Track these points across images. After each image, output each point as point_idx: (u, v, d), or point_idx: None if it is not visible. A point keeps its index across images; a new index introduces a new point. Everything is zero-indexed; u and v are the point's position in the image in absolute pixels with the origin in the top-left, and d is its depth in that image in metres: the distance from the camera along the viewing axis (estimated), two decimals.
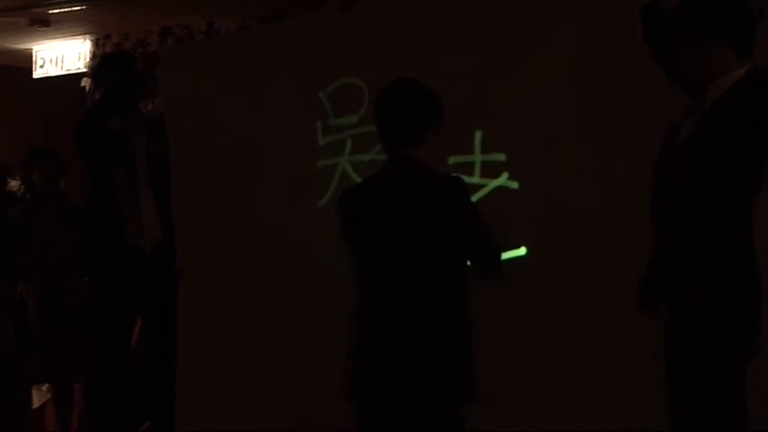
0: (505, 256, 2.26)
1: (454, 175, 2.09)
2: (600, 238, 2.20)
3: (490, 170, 2.35)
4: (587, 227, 2.21)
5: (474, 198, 2.33)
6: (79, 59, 5.32)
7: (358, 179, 2.53)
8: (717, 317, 1.66)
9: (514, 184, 2.32)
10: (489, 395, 2.18)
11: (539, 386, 2.21)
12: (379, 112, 2.02)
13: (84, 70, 5.19)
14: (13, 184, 3.50)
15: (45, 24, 5.03)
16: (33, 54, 5.59)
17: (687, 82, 1.86)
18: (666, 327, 1.79)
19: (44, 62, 5.48)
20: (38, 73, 5.54)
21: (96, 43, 5.29)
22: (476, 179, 2.36)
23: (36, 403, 3.28)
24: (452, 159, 2.39)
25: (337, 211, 2.07)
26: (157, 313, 2.89)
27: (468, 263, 2.05)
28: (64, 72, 5.36)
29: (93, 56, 5.18)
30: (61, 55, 5.40)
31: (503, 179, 2.33)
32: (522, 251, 2.28)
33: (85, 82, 5.03)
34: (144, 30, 5.08)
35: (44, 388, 3.30)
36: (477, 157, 2.37)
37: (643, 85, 2.11)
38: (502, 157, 2.34)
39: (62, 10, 4.83)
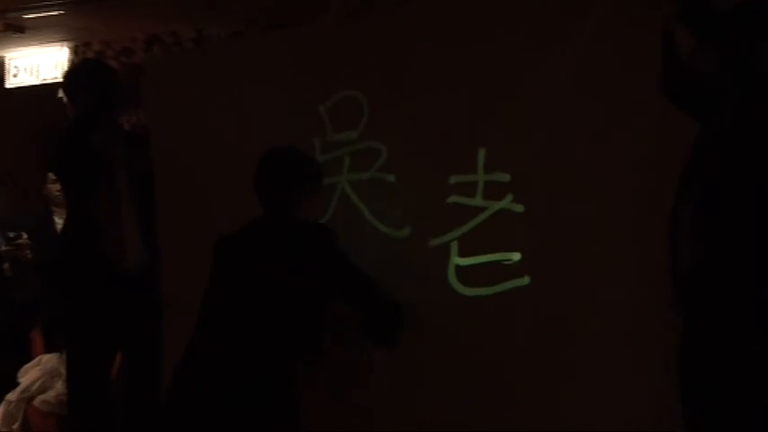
0: (507, 285, 2.44)
1: (322, 224, 2.42)
2: (612, 267, 2.33)
3: (493, 191, 2.49)
4: (597, 255, 2.35)
5: (475, 222, 2.52)
6: (56, 68, 5.52)
7: (357, 199, 2.74)
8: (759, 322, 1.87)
9: (519, 207, 2.45)
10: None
11: (541, 420, 2.37)
12: (257, 179, 2.42)
13: (62, 80, 5.42)
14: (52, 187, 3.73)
15: (19, 30, 5.18)
16: (6, 62, 5.78)
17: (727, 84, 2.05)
18: (695, 332, 1.99)
19: (18, 71, 5.70)
20: (11, 82, 5.76)
21: (75, 51, 5.50)
22: (477, 201, 2.52)
23: None
24: (453, 179, 2.55)
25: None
26: (141, 345, 3.04)
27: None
28: (40, 82, 5.62)
29: (72, 65, 5.42)
30: (37, 63, 5.63)
31: (506, 201, 2.47)
32: (524, 280, 2.43)
33: (63, 93, 5.28)
34: (128, 37, 5.23)
35: None
36: (480, 177, 2.51)
37: (654, 100, 2.26)
38: (506, 177, 2.47)
39: (38, 15, 4.95)
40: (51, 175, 3.66)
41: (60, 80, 5.32)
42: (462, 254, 2.53)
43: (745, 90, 2.00)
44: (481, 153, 2.52)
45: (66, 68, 5.44)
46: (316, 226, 2.38)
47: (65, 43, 5.56)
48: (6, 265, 3.98)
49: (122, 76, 3.22)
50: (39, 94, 5.48)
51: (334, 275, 2.30)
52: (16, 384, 3.76)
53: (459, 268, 2.53)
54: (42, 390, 3.69)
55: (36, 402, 3.66)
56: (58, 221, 3.84)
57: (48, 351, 3.88)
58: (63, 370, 3.38)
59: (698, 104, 2.15)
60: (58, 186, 3.56)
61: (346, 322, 2.47)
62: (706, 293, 1.98)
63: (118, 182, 3.01)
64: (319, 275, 2.27)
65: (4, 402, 3.74)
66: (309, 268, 2.26)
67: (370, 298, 2.36)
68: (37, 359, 3.86)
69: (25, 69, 5.73)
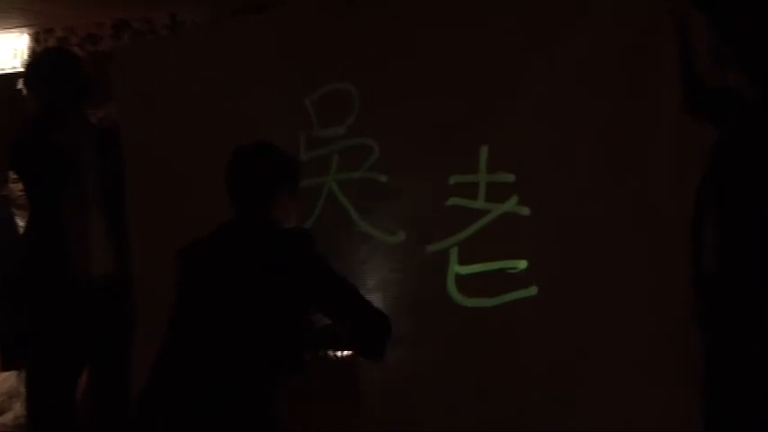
0: (512, 296, 2.43)
1: (299, 228, 2.38)
2: (627, 275, 2.33)
3: (497, 193, 2.48)
4: (611, 262, 2.34)
5: (477, 226, 2.50)
6: (15, 57, 5.46)
7: (346, 201, 2.72)
8: None
9: (525, 210, 2.45)
10: None
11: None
12: (228, 177, 2.37)
13: (22, 70, 5.38)
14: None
15: None
16: None
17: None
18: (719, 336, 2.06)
19: None
20: None
21: (36, 38, 5.44)
22: (479, 203, 2.50)
23: None
24: (453, 179, 2.53)
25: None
26: (109, 361, 3.01)
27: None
28: None
29: (33, 53, 5.37)
30: None
31: (511, 204, 2.46)
32: (531, 291, 2.41)
33: (22, 84, 5.23)
34: (94, 22, 5.19)
35: None
36: (482, 177, 2.50)
37: (666, 94, 2.29)
38: (510, 177, 2.47)
39: None
40: (13, 174, 3.60)
41: (20, 70, 5.32)
42: (463, 261, 2.52)
43: (751, 80, 2.05)
44: (483, 151, 2.51)
45: (26, 57, 5.39)
46: (292, 230, 2.34)
47: (24, 29, 5.49)
48: None
49: (88, 66, 3.22)
50: None
51: (312, 284, 2.25)
52: None
53: (459, 277, 2.52)
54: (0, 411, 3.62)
55: None
56: (21, 224, 3.79)
57: (5, 369, 3.81)
58: (22, 389, 3.34)
59: (720, 116, 2.20)
60: (20, 186, 3.51)
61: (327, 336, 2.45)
62: (729, 298, 2.06)
63: (85, 181, 2.97)
64: (296, 285, 2.23)
65: None
66: (285, 277, 2.22)
67: (352, 309, 2.31)
68: None
69: None
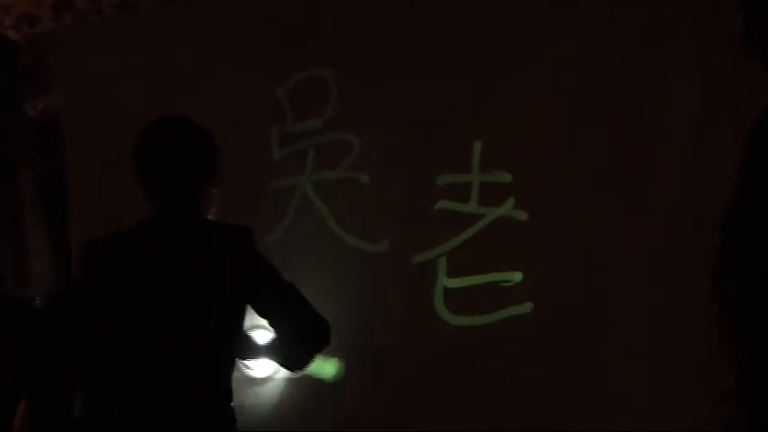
0: (505, 314, 2.40)
1: (238, 224, 2.21)
2: (632, 290, 2.30)
3: (491, 195, 2.45)
4: (615, 275, 2.31)
5: (468, 233, 2.48)
6: None
7: (321, 204, 2.67)
8: None
9: (522, 215, 2.42)
10: None
11: None
12: (148, 161, 2.18)
13: None
14: None
15: None
16: None
17: None
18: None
19: None
20: None
21: None
22: (472, 207, 2.47)
23: None
24: (442, 179, 2.51)
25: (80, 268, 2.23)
26: (51, 391, 2.91)
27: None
28: None
29: None
30: None
31: (507, 207, 2.44)
32: (526, 307, 2.39)
33: None
34: (31, 1, 5.15)
35: None
36: (476, 177, 2.48)
37: (675, 91, 2.28)
38: (506, 177, 2.44)
39: None
40: None
41: None
42: (452, 273, 2.50)
43: None
44: (476, 147, 2.48)
45: None
46: (234, 226, 2.18)
47: None
48: None
49: (25, 51, 3.18)
50: None
51: (250, 282, 2.11)
52: None
53: (447, 291, 2.50)
54: None
55: None
56: None
57: None
58: None
59: None
60: None
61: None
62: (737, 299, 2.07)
63: (21, 183, 2.94)
64: (234, 282, 2.09)
65: None
66: (223, 273, 2.09)
67: (287, 310, 2.14)
68: None
69: None
